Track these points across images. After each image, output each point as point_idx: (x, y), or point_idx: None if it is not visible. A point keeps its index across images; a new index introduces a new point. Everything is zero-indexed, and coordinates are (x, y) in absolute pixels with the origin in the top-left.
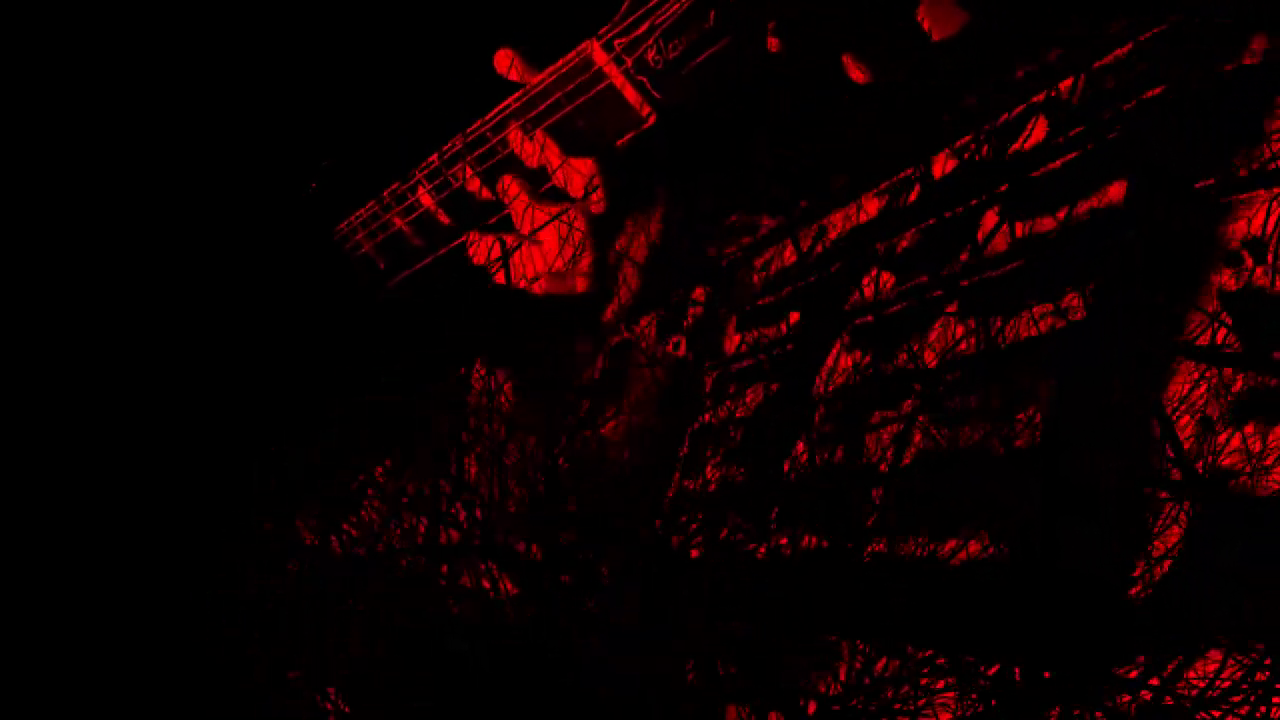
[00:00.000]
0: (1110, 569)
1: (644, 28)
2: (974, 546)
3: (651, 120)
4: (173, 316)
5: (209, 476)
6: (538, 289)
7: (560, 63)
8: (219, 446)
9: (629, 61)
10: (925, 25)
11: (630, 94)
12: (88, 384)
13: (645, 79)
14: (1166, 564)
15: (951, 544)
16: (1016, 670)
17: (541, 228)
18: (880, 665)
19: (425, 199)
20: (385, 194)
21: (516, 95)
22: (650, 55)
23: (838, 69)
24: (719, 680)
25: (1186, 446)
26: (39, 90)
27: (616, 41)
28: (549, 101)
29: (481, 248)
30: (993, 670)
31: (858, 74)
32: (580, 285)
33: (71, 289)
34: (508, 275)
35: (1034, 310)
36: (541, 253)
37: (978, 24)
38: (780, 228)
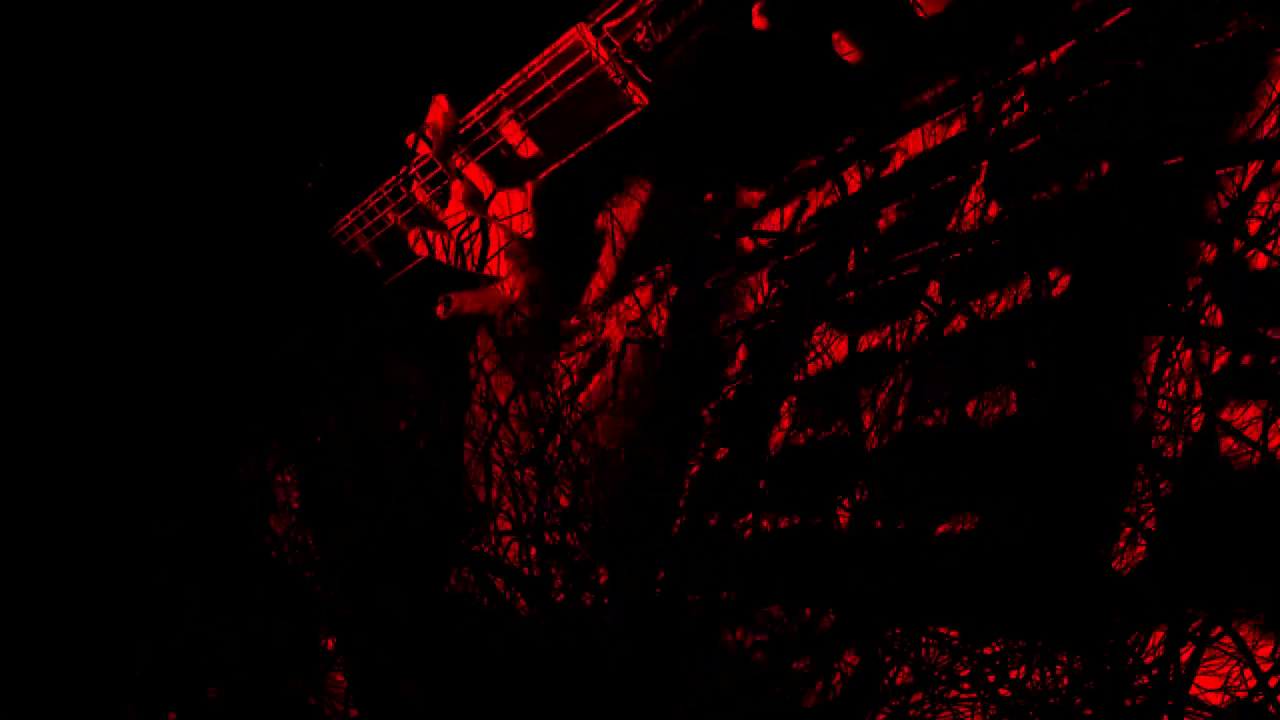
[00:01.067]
0: (1095, 543)
1: (632, 10)
2: (961, 523)
3: (642, 104)
4: (170, 314)
5: (200, 470)
6: (469, 308)
7: (550, 48)
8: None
9: (618, 45)
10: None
11: (620, 79)
12: (89, 382)
13: (635, 62)
14: (1148, 534)
15: (939, 522)
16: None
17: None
18: (892, 671)
19: (420, 193)
20: (381, 188)
21: (507, 84)
22: (640, 39)
23: (827, 46)
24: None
25: (1165, 423)
26: (41, 91)
27: (605, 25)
28: (540, 89)
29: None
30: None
31: (849, 53)
32: (508, 292)
33: (72, 287)
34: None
35: (1016, 287)
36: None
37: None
38: (758, 204)
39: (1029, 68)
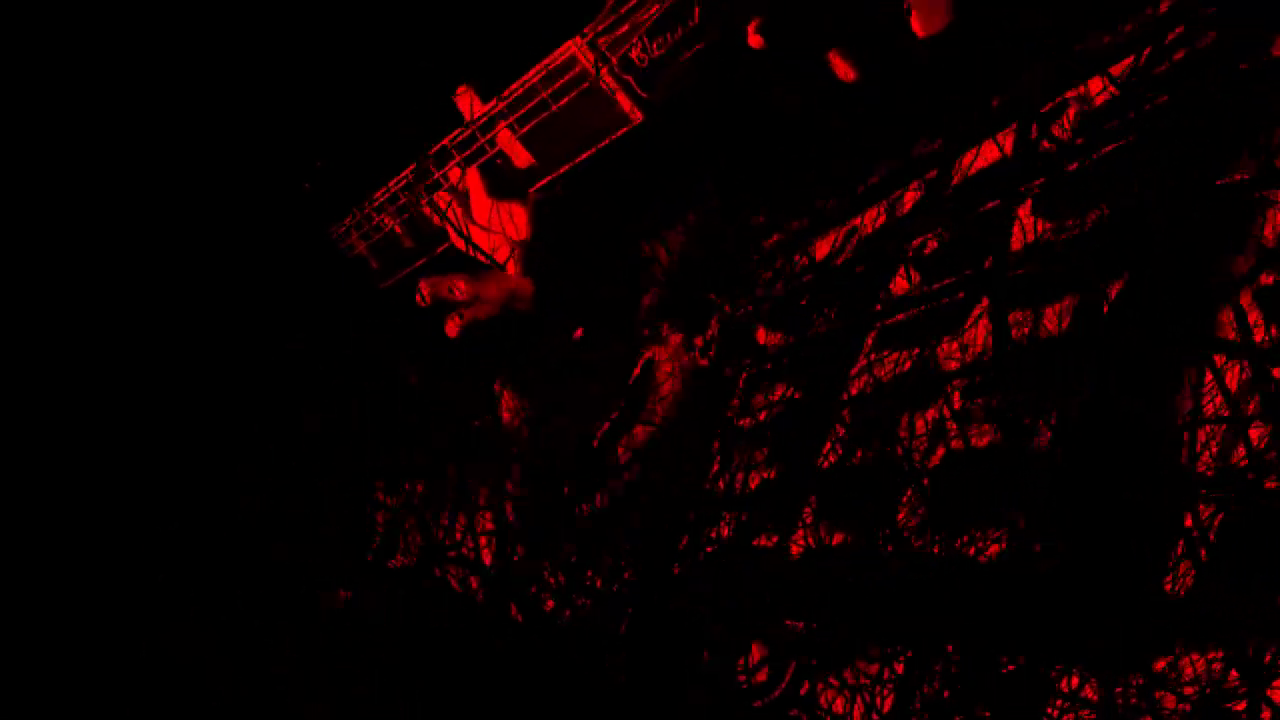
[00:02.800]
0: (1142, 565)
1: (627, 26)
2: (1005, 544)
3: (638, 119)
4: (169, 313)
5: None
6: (482, 313)
7: (544, 62)
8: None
9: (614, 60)
10: (912, 22)
11: (616, 93)
12: (87, 381)
13: (630, 78)
14: (1197, 559)
15: (983, 542)
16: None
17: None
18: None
19: (417, 199)
20: (377, 194)
21: (503, 94)
22: (635, 54)
23: (824, 66)
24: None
25: (1216, 445)
26: (44, 92)
27: (600, 40)
28: (535, 101)
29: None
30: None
31: (846, 72)
32: (520, 306)
33: (70, 287)
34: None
35: (1061, 308)
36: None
37: (969, 20)
38: (806, 228)
39: (1071, 93)
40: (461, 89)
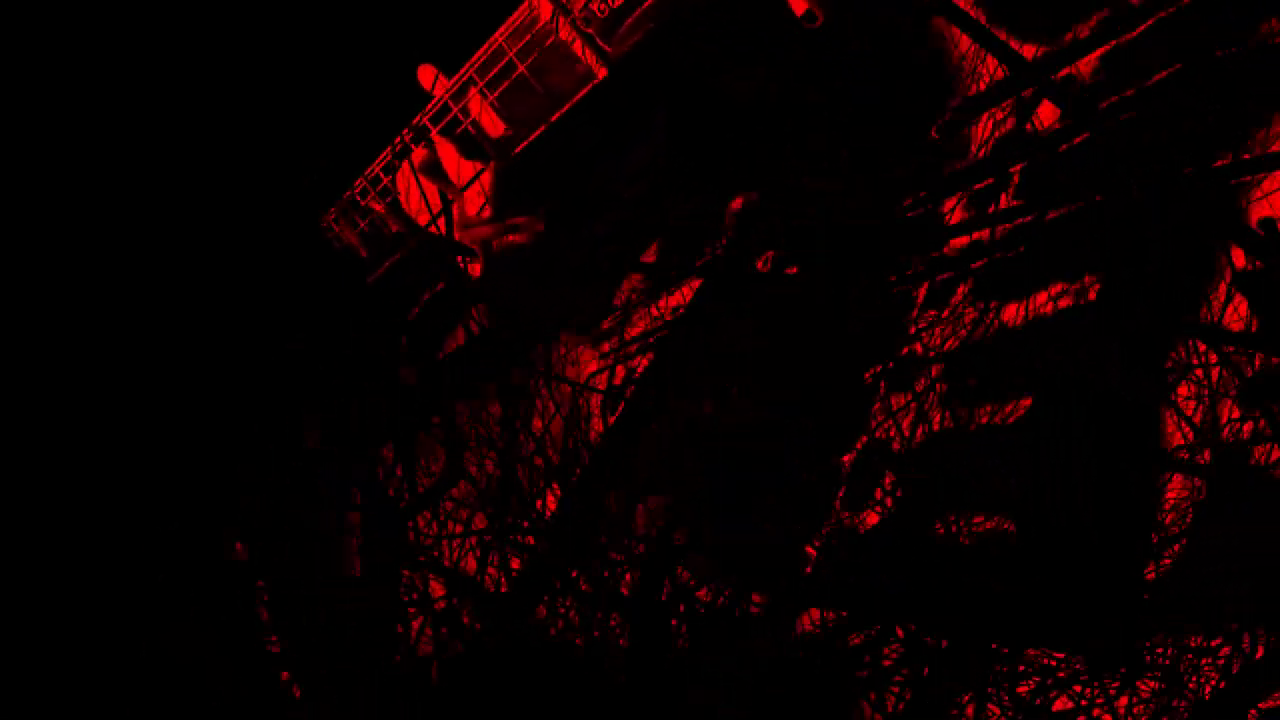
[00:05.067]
0: (1125, 548)
1: None
2: (986, 527)
3: (601, 74)
4: (169, 316)
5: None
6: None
7: (511, 19)
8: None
9: (575, 13)
10: None
11: (578, 48)
12: (89, 384)
13: (593, 31)
14: (1179, 544)
15: (964, 525)
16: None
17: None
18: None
19: (398, 180)
20: (360, 180)
21: (472, 60)
22: (595, 5)
23: (783, 5)
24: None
25: (1197, 425)
26: (46, 91)
27: None
28: (502, 63)
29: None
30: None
31: (800, 6)
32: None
33: (72, 290)
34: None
35: (1047, 292)
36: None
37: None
38: (779, 208)
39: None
40: (423, 67)
